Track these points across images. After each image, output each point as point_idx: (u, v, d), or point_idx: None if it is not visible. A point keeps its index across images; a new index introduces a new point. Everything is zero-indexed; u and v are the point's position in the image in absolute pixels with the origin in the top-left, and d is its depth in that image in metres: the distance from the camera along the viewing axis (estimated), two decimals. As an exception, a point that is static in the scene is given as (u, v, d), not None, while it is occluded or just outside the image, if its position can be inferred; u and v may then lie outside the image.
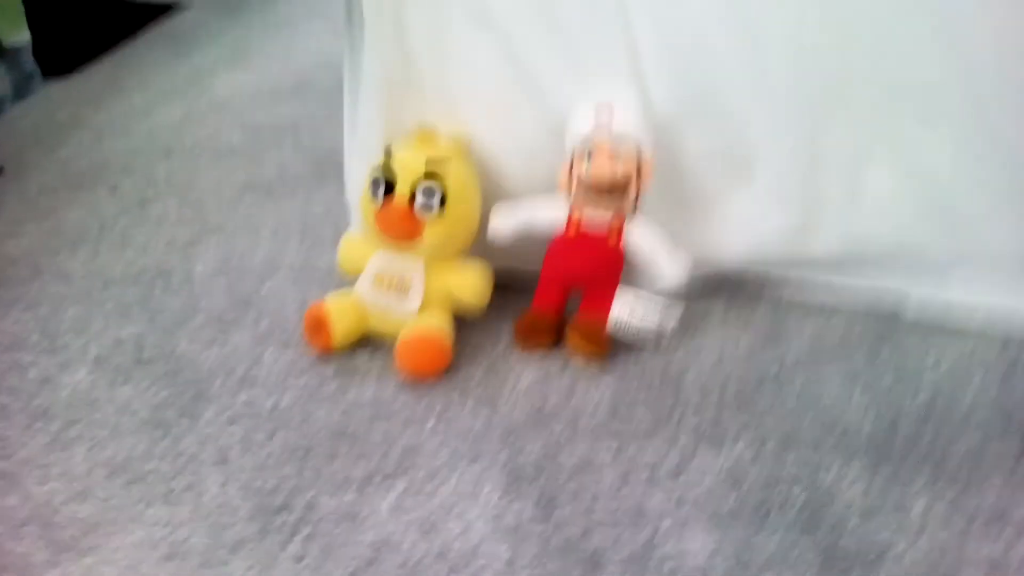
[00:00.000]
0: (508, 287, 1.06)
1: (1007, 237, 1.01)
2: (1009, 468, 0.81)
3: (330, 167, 1.46)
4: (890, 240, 1.03)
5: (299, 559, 0.79)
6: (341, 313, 1.02)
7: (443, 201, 0.97)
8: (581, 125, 0.97)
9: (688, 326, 1.03)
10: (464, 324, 1.05)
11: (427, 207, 0.97)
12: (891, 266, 1.05)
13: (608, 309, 0.99)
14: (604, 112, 0.96)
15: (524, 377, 0.98)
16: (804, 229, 1.04)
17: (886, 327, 1.01)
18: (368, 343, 1.04)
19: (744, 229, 1.05)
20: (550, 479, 0.85)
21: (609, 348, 0.99)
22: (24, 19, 1.93)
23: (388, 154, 1.00)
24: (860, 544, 0.76)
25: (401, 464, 0.88)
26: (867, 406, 0.90)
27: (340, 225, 1.16)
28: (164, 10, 2.31)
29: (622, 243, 0.99)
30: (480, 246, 1.05)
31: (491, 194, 1.04)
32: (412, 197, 0.97)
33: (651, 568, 0.75)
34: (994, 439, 0.85)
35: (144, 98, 1.85)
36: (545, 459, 0.87)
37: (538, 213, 1.01)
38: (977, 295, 1.02)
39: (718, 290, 1.09)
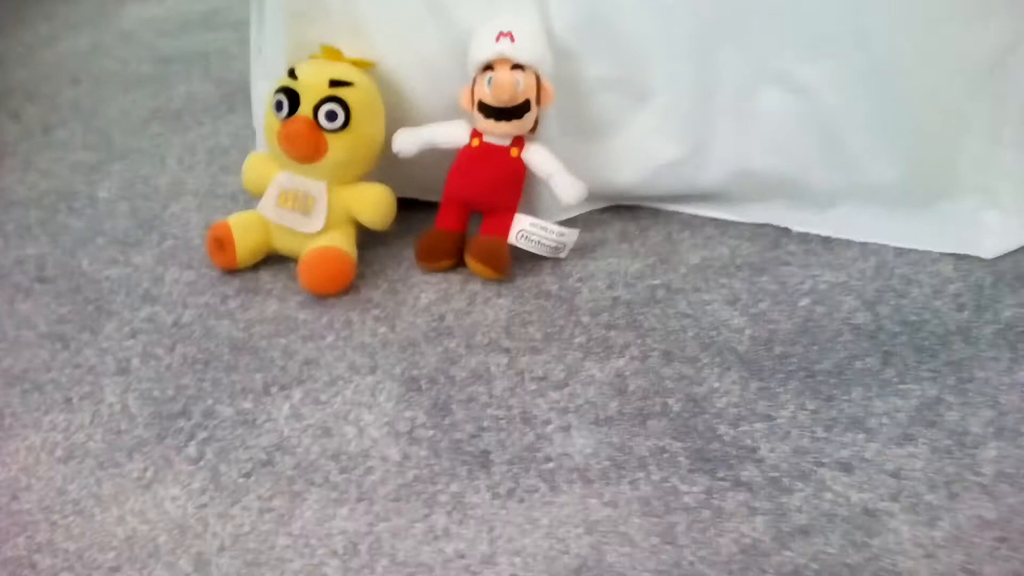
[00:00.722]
0: (412, 205, 1.09)
1: (886, 170, 1.07)
2: (868, 383, 0.88)
3: (239, 96, 1.46)
4: (775, 171, 1.08)
5: (195, 461, 0.81)
6: (244, 231, 1.03)
7: (347, 119, 0.99)
8: (483, 47, 1.00)
9: (583, 251, 1.07)
10: (367, 245, 1.07)
11: (331, 124, 0.99)
12: (776, 197, 1.10)
13: (507, 230, 1.02)
14: (505, 34, 0.99)
15: (423, 296, 1.01)
16: (695, 159, 1.08)
17: (769, 254, 1.06)
18: (272, 262, 1.06)
19: (639, 158, 1.09)
20: (443, 389, 0.89)
21: (507, 269, 1.03)
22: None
23: (292, 73, 1.01)
24: (728, 447, 0.81)
25: (299, 375, 0.91)
26: (744, 327, 0.95)
27: (248, 152, 1.16)
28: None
29: (521, 162, 1.02)
30: (385, 172, 1.07)
31: (396, 115, 1.06)
32: (316, 115, 0.99)
33: (534, 466, 0.80)
34: (858, 357, 0.91)
35: (50, 27, 1.82)
36: (439, 371, 0.91)
37: (440, 133, 1.04)
38: (855, 226, 1.08)
39: (613, 216, 1.13)
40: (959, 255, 1.04)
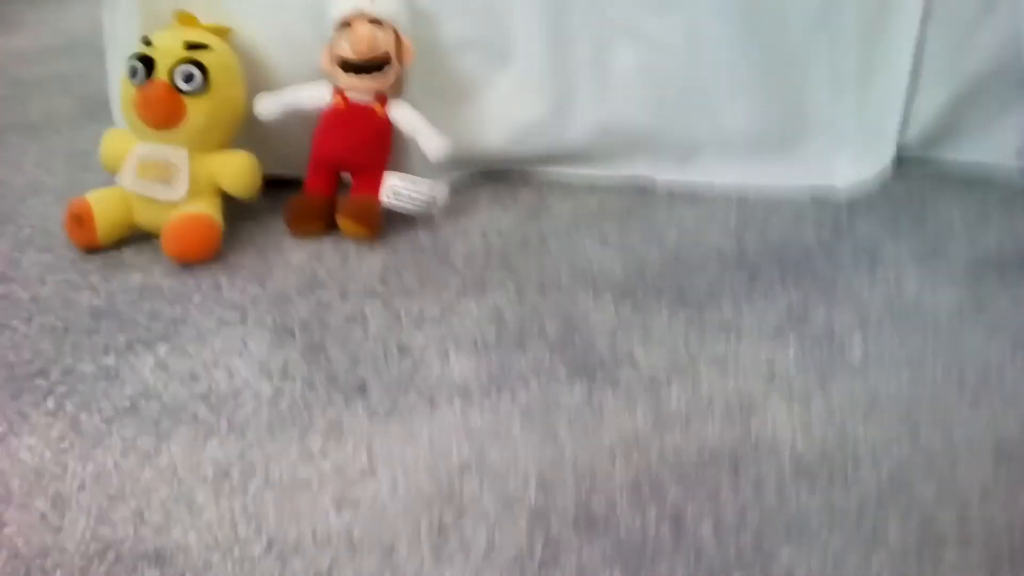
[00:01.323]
0: (280, 182, 1.08)
1: (740, 118, 1.11)
2: (737, 293, 0.90)
3: (99, 109, 1.42)
4: (636, 125, 1.11)
5: (52, 413, 0.77)
6: (104, 206, 1.00)
7: (205, 81, 0.98)
8: (341, 4, 1.00)
9: (456, 210, 1.07)
10: (236, 220, 1.05)
11: (188, 86, 0.97)
12: (639, 151, 1.13)
13: (377, 189, 1.02)
14: (362, -6, 1.00)
15: (295, 256, 1.00)
16: (559, 118, 1.11)
17: (636, 202, 1.09)
18: (135, 240, 1.03)
19: (502, 117, 1.11)
20: (316, 333, 0.86)
21: (380, 228, 1.02)
22: None
23: (146, 40, 1.00)
24: (605, 355, 0.81)
25: (164, 333, 0.87)
26: (616, 258, 0.97)
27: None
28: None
29: (387, 119, 1.02)
30: (250, 149, 1.05)
31: (256, 83, 1.05)
32: (172, 79, 0.97)
33: (413, 387, 0.78)
34: (725, 276, 0.93)
35: None
36: (313, 318, 0.89)
37: (303, 95, 1.03)
38: (716, 173, 1.12)
39: (483, 181, 1.14)
40: (816, 190, 1.09)
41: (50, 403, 0.78)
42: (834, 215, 1.04)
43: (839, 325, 0.85)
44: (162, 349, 0.85)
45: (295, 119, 1.04)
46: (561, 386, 0.78)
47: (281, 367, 0.82)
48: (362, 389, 0.78)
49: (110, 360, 0.83)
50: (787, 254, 0.96)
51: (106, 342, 0.86)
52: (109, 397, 0.79)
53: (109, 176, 1.04)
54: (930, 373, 0.78)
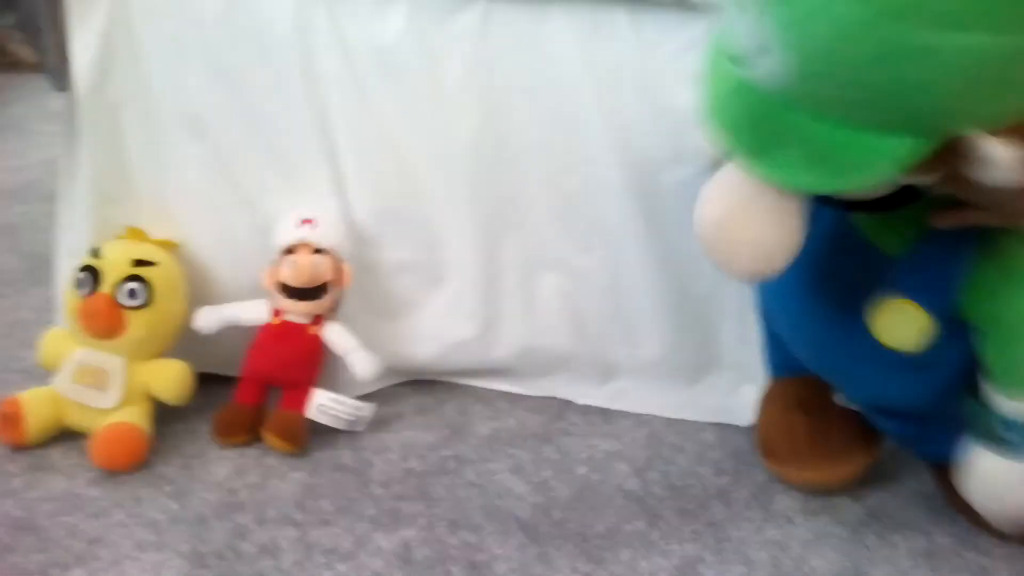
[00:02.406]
0: (210, 379, 1.12)
1: (655, 347, 1.18)
2: (635, 545, 0.95)
3: (46, 271, 1.45)
4: (557, 348, 1.18)
5: (-41, 649, 0.79)
6: (36, 406, 1.03)
7: (148, 298, 1.03)
8: (286, 232, 1.07)
9: (380, 423, 1.12)
10: (165, 419, 1.08)
11: (131, 302, 1.02)
12: (559, 371, 1.20)
13: (304, 405, 1.06)
14: (307, 221, 1.06)
15: (218, 471, 1.03)
16: (486, 337, 1.17)
17: (552, 425, 1.15)
18: (64, 438, 1.05)
19: (433, 334, 1.17)
20: (230, 565, 0.90)
21: (304, 443, 1.06)
22: None
23: (95, 251, 1.05)
24: (504, 611, 0.86)
25: (82, 555, 0.90)
26: (526, 493, 1.02)
27: (50, 326, 1.17)
28: None
29: (319, 339, 1.08)
30: (185, 347, 1.10)
31: (200, 294, 1.11)
32: (116, 293, 1.02)
33: (315, 640, 0.82)
34: (627, 521, 0.99)
35: None
36: (227, 548, 0.92)
37: (242, 312, 1.09)
38: (630, 398, 1.19)
39: (410, 391, 1.20)
40: (721, 424, 1.16)
41: (-42, 636, 0.80)
42: (735, 453, 1.11)
43: (726, 587, 0.90)
44: (77, 574, 0.87)
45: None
46: (458, 644, 0.82)
47: (191, 606, 0.85)
48: (267, 638, 0.82)
49: (23, 586, 0.86)
50: (687, 499, 1.02)
51: (21, 564, 0.88)
52: (18, 632, 0.81)
53: (42, 363, 1.08)
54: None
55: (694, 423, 1.16)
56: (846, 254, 0.93)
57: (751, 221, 0.79)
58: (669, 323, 1.18)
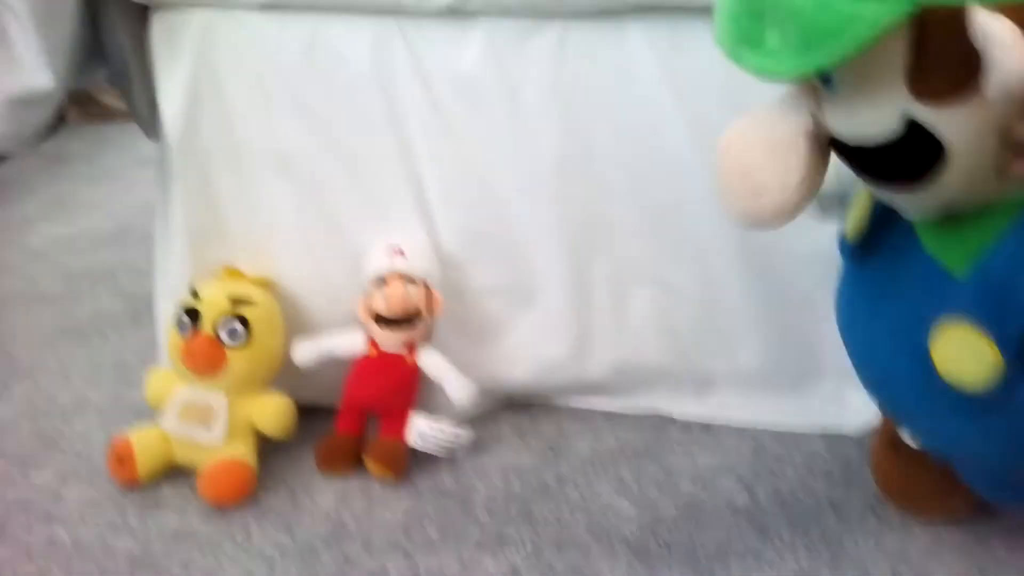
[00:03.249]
0: (312, 410, 1.13)
1: (754, 357, 1.16)
2: (747, 561, 0.93)
3: (146, 312, 1.49)
4: (652, 363, 1.16)
5: None
6: (145, 445, 1.05)
7: (247, 336, 1.05)
8: (376, 262, 1.08)
9: (478, 446, 1.12)
10: (268, 449, 1.10)
11: (232, 336, 1.04)
12: (657, 386, 1.18)
13: (403, 432, 1.07)
14: (397, 251, 1.07)
15: (323, 500, 1.04)
16: (578, 354, 1.16)
17: (653, 441, 1.13)
18: (174, 474, 1.08)
19: (526, 355, 1.17)
20: (342, 594, 0.90)
21: (405, 466, 1.07)
22: None
23: (194, 292, 1.07)
24: (618, 633, 0.84)
25: (198, 589, 0.92)
26: (631, 509, 1.00)
27: (152, 366, 1.20)
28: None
29: (416, 367, 1.08)
30: (285, 373, 1.12)
31: (296, 328, 1.13)
32: (217, 328, 1.04)
33: (430, 668, 0.81)
34: (736, 537, 0.96)
35: (-43, 247, 1.85)
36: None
37: (338, 344, 1.10)
38: (731, 410, 1.16)
39: (505, 409, 1.19)
40: (828, 433, 1.12)
41: (86, 673, 0.82)
42: (845, 462, 1.07)
43: (846, 602, 0.87)
44: (194, 609, 0.89)
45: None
46: (574, 669, 0.81)
47: (306, 637, 0.85)
48: (382, 667, 0.82)
49: (145, 622, 0.88)
50: (797, 510, 1.00)
51: (142, 600, 0.90)
52: (142, 667, 0.82)
53: (148, 402, 1.11)
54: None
55: (800, 433, 1.13)
56: (909, 274, 0.82)
57: (747, 150, 0.77)
58: (767, 331, 1.15)
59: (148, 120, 1.19)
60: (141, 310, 1.52)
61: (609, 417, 1.18)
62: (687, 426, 1.16)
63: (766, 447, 1.11)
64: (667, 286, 1.14)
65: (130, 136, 2.50)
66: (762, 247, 1.12)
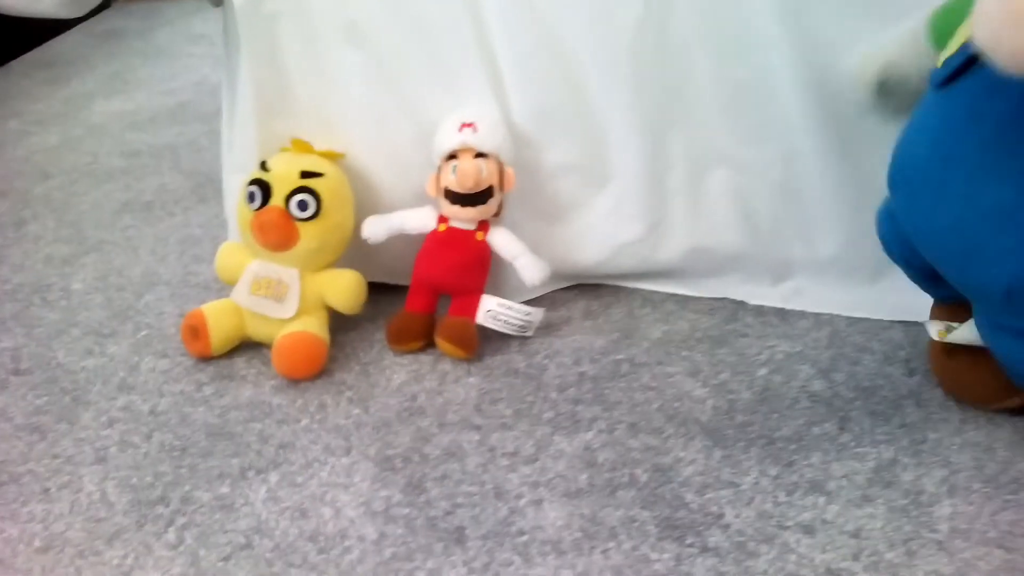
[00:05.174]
0: (383, 287, 1.13)
1: (832, 244, 1.12)
2: (825, 448, 0.91)
3: (209, 188, 1.50)
4: (727, 247, 1.13)
5: (174, 547, 0.83)
6: (218, 319, 1.06)
7: (318, 209, 1.03)
8: (447, 137, 1.05)
9: (549, 328, 1.11)
10: (340, 328, 1.10)
11: (303, 209, 1.03)
12: (730, 271, 1.15)
13: (474, 311, 1.06)
14: (468, 125, 1.04)
15: (395, 377, 1.04)
16: (652, 238, 1.13)
17: (726, 327, 1.11)
18: (246, 348, 1.09)
19: (599, 236, 1.14)
20: (417, 468, 0.91)
21: (476, 348, 1.06)
22: None
23: (264, 166, 1.05)
24: (694, 515, 0.84)
25: (275, 459, 0.93)
26: (705, 398, 0.99)
27: (219, 242, 1.19)
28: (41, 37, 2.30)
29: (487, 245, 1.06)
30: (356, 258, 1.11)
31: (365, 204, 1.11)
32: (287, 201, 1.03)
33: (508, 540, 0.82)
34: (815, 423, 0.95)
35: (20, 123, 1.85)
36: (412, 451, 0.93)
37: (408, 219, 1.08)
38: (807, 297, 1.14)
39: (577, 295, 1.18)
40: (908, 322, 1.09)
41: (171, 535, 0.84)
42: (924, 351, 1.04)
43: (928, 489, 0.86)
44: (273, 478, 0.90)
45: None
46: (651, 547, 0.81)
47: (384, 507, 0.86)
48: (460, 538, 0.82)
49: (225, 488, 0.89)
50: (876, 399, 0.98)
51: (221, 467, 0.92)
52: (226, 531, 0.84)
53: (218, 275, 1.11)
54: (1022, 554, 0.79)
55: (878, 322, 1.10)
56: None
57: None
58: (847, 218, 1.11)
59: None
60: (204, 186, 1.52)
61: (680, 302, 1.16)
62: (761, 312, 1.13)
63: (843, 335, 1.08)
64: (745, 167, 1.10)
65: (181, 12, 2.47)
66: (847, 131, 1.07)
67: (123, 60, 2.20)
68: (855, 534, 0.81)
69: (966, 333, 0.93)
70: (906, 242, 0.90)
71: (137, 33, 2.40)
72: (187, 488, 0.89)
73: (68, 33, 2.38)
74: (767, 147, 1.09)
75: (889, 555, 0.79)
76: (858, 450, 0.91)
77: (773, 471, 0.89)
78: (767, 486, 0.87)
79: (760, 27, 1.02)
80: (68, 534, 0.84)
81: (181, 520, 0.85)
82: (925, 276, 0.94)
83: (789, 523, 0.83)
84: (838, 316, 1.11)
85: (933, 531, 0.82)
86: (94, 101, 1.95)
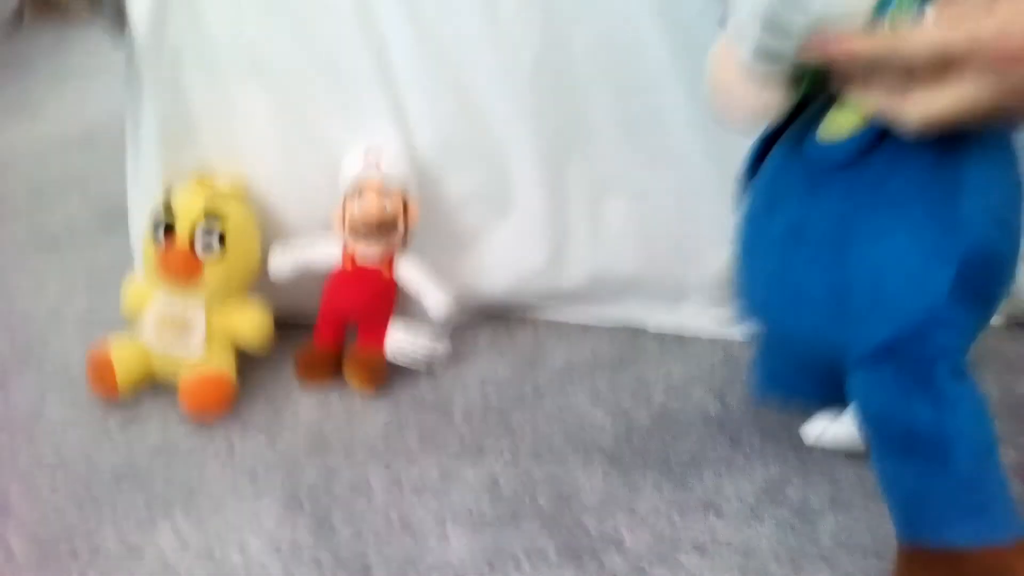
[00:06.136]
0: (290, 324, 1.14)
1: (726, 266, 1.17)
2: (717, 467, 0.96)
3: (118, 218, 1.48)
4: (627, 271, 1.17)
5: (79, 595, 0.83)
6: (124, 357, 1.06)
7: (222, 241, 1.04)
8: (352, 167, 1.07)
9: (456, 357, 1.13)
10: (247, 361, 1.11)
11: (207, 246, 1.03)
12: (630, 295, 1.19)
13: (382, 341, 1.08)
14: (372, 155, 1.06)
15: (303, 412, 1.06)
16: (555, 262, 1.17)
17: (626, 351, 1.15)
18: (155, 385, 1.09)
19: (503, 264, 1.17)
20: (324, 503, 0.92)
21: (384, 378, 1.08)
22: None
23: (168, 198, 1.06)
24: (593, 540, 0.87)
25: (183, 501, 0.93)
26: (606, 419, 1.03)
27: (128, 274, 1.19)
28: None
29: (393, 276, 1.09)
30: (262, 287, 1.12)
31: (271, 234, 1.12)
32: (192, 239, 1.03)
33: (415, 574, 0.84)
34: (708, 443, 0.99)
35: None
36: (319, 488, 0.95)
37: (315, 251, 1.10)
38: (702, 319, 1.18)
39: (483, 320, 1.20)
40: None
41: (78, 584, 0.84)
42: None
43: (812, 506, 0.90)
44: (180, 520, 0.91)
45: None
46: (552, 573, 0.84)
47: (290, 544, 0.88)
48: (366, 574, 0.84)
49: (133, 535, 0.89)
50: (767, 418, 1.02)
51: (128, 511, 0.92)
52: (132, 577, 0.85)
53: (123, 313, 1.11)
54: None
55: (771, 341, 1.15)
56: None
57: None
58: (740, 242, 1.16)
59: (114, 16, 1.14)
60: (113, 218, 1.50)
61: (584, 329, 1.20)
62: (661, 337, 1.17)
63: (737, 357, 1.13)
64: (641, 194, 1.14)
65: (91, 37, 2.43)
66: (736, 156, 1.11)
67: (30, 86, 2.16)
68: (744, 551, 0.85)
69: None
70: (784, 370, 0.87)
71: (45, 59, 2.36)
72: (95, 538, 0.89)
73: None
74: (662, 175, 1.13)
75: (776, 570, 0.83)
76: (750, 470, 0.95)
77: (668, 493, 0.93)
78: (663, 508, 0.91)
79: (653, 62, 1.06)
80: (-31, 590, 0.84)
81: (91, 573, 0.85)
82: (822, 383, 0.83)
83: (683, 543, 0.87)
84: (732, 339, 1.16)
85: (817, 545, 0.86)
86: (1, 130, 1.92)
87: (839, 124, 0.76)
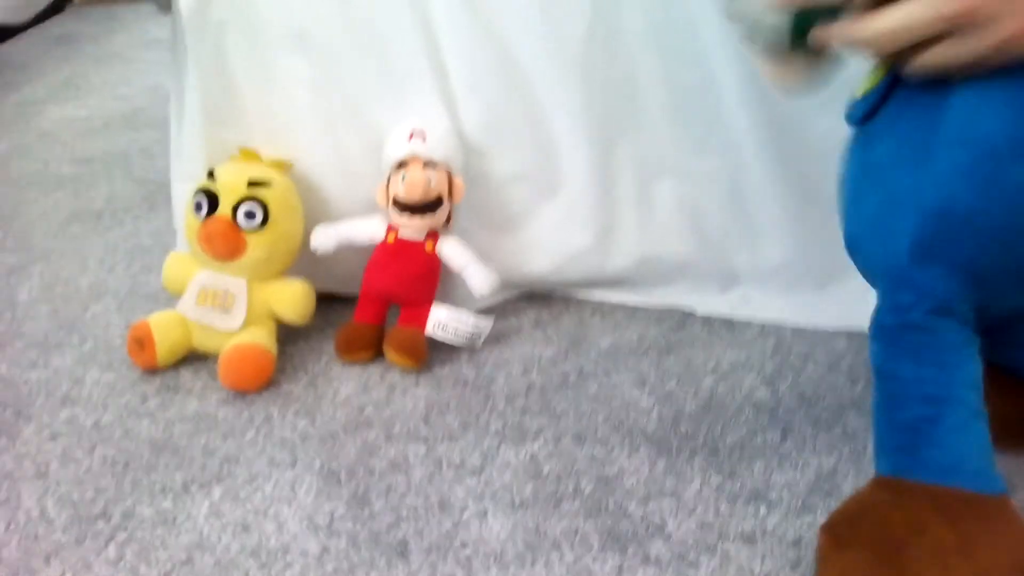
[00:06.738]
0: (331, 298, 1.12)
1: (778, 253, 1.14)
2: (768, 456, 0.92)
3: (161, 196, 1.49)
4: (676, 256, 1.14)
5: (114, 563, 0.82)
6: (164, 330, 1.05)
7: (265, 218, 1.03)
8: (396, 146, 1.05)
9: (498, 337, 1.11)
10: (287, 338, 1.10)
11: (250, 220, 1.02)
12: (679, 280, 1.16)
13: (424, 322, 1.06)
14: (417, 134, 1.04)
15: (343, 388, 1.04)
16: (602, 244, 1.14)
17: (674, 336, 1.12)
18: (193, 360, 1.08)
19: (549, 245, 1.15)
20: (362, 481, 0.91)
21: (425, 358, 1.06)
22: None
23: (211, 175, 1.05)
24: (637, 525, 0.85)
25: (219, 473, 0.92)
26: (651, 407, 1.00)
27: (169, 252, 1.18)
28: (-8, 39, 2.27)
29: (436, 256, 1.06)
30: (305, 268, 1.10)
31: (314, 213, 1.10)
32: (235, 212, 1.02)
33: (451, 554, 0.82)
34: (758, 432, 0.96)
35: (-32, 129, 1.82)
36: (358, 464, 0.93)
37: (358, 229, 1.08)
38: (754, 306, 1.15)
39: (527, 304, 1.18)
40: (852, 332, 1.11)
41: (111, 550, 0.83)
42: (867, 361, 1.06)
43: (867, 498, 0.87)
44: (216, 492, 0.90)
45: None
46: (593, 558, 0.81)
47: (327, 521, 0.86)
48: (403, 552, 0.82)
49: (168, 503, 0.88)
50: (820, 409, 0.99)
51: (164, 481, 0.91)
52: (167, 547, 0.83)
53: (165, 287, 1.11)
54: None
55: (823, 331, 1.11)
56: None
57: None
58: (794, 226, 1.12)
59: (161, -9, 1.14)
60: (155, 194, 1.50)
61: (630, 311, 1.17)
62: (709, 321, 1.14)
63: (788, 344, 1.10)
64: (693, 176, 1.11)
65: (137, 16, 2.45)
66: (793, 139, 1.08)
67: (77, 65, 2.17)
68: (795, 543, 0.82)
69: None
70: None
71: (91, 38, 2.38)
72: (129, 503, 0.88)
73: (20, 38, 2.35)
74: (714, 156, 1.10)
75: (827, 564, 0.80)
76: (800, 459, 0.92)
77: (715, 481, 0.90)
78: (709, 496, 0.88)
79: (706, 35, 1.03)
80: (3, 553, 0.83)
81: (122, 536, 0.84)
82: None
83: (730, 533, 0.84)
84: (785, 323, 1.13)
85: (871, 539, 0.82)
86: (45, 107, 1.93)
87: (864, 83, 0.79)
